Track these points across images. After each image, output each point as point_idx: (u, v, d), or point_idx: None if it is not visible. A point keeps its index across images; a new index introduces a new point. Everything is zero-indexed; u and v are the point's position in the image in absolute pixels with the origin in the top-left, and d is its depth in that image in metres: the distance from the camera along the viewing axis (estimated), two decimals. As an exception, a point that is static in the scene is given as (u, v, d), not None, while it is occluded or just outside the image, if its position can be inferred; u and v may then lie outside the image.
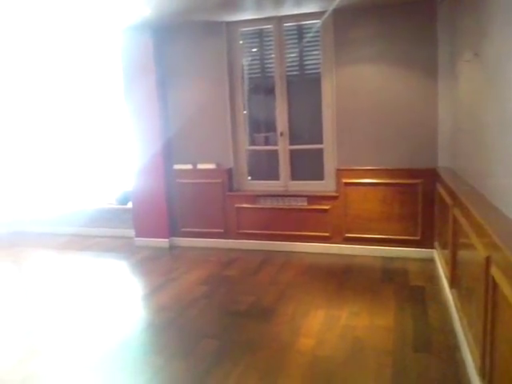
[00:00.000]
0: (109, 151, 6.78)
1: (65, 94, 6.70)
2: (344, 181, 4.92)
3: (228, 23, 5.25)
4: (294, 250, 5.16)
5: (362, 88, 4.80)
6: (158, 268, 4.91)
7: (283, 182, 5.36)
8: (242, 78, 5.41)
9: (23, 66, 6.62)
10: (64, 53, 6.41)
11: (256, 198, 5.32)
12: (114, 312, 3.78)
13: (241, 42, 5.35)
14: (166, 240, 5.66)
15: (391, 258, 4.77)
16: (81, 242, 6.09)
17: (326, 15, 4.83)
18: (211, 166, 5.49)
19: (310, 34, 5.08)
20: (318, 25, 4.97)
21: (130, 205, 6.10)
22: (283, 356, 2.96)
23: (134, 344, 3.29)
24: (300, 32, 5.18)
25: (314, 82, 5.12)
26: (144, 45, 5.45)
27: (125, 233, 6.10)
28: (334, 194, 5.00)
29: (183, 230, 5.66)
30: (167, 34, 5.46)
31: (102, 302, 4.03)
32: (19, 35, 5.53)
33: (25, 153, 6.92)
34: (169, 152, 5.66)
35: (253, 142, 5.56)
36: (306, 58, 5.22)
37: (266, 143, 5.54)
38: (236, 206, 5.39)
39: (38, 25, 5.06)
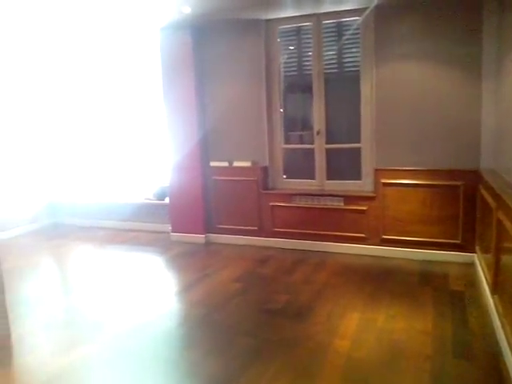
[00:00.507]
0: (148, 147, 6.91)
1: (107, 91, 6.87)
2: (382, 181, 4.83)
3: (267, 21, 5.25)
4: (328, 250, 5.12)
5: (402, 86, 4.70)
6: (194, 263, 4.97)
7: (319, 182, 5.32)
8: (279, 75, 5.40)
9: (71, 64, 6.84)
10: (106, 51, 6.57)
11: (291, 196, 5.30)
12: (150, 306, 3.85)
13: (279, 39, 5.34)
14: (202, 236, 5.72)
15: (430, 262, 4.65)
16: (120, 235, 6.26)
17: (366, 12, 4.75)
18: (247, 164, 5.51)
19: (350, 32, 5.01)
20: (358, 22, 4.89)
21: (167, 200, 6.20)
22: (319, 356, 2.94)
23: (170, 338, 3.35)
24: (339, 29, 5.11)
25: (353, 79, 5.05)
26: (183, 43, 5.52)
27: (161, 227, 6.21)
28: (371, 194, 4.93)
29: (218, 226, 5.71)
30: (206, 32, 5.51)
31: (138, 295, 4.12)
32: (66, 34, 5.72)
33: (69, 147, 7.15)
34: (205, 149, 5.71)
35: (288, 141, 5.54)
36: (344, 56, 5.15)
37: (301, 142, 5.51)
38: (271, 204, 5.39)
39: (82, 22, 5.21)
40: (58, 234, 6.51)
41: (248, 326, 3.43)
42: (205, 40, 5.55)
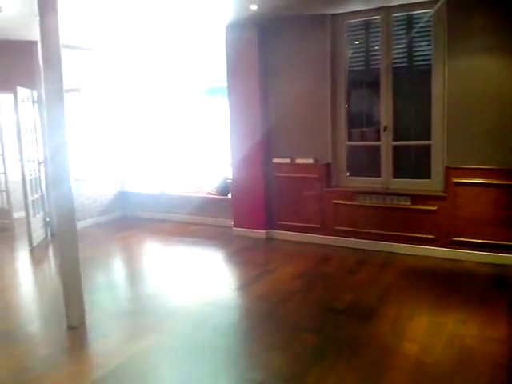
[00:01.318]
0: (212, 143, 7.07)
1: (176, 87, 7.09)
2: (454, 180, 4.61)
3: (333, 15, 5.18)
4: (394, 250, 4.96)
5: (476, 80, 4.45)
6: (255, 258, 5.02)
7: (384, 180, 5.17)
8: (345, 71, 5.30)
9: (142, 62, 7.13)
10: (172, 47, 6.77)
11: (355, 194, 5.19)
12: (214, 298, 3.93)
13: (345, 34, 5.24)
14: (263, 231, 5.76)
15: (503, 266, 4.39)
16: (184, 228, 6.44)
17: (439, 4, 4.55)
18: (309, 161, 5.47)
19: (420, 24, 4.82)
20: (430, 14, 4.69)
21: (229, 195, 6.31)
22: (385, 358, 2.87)
23: (233, 331, 3.41)
24: (409, 22, 4.93)
25: (423, 74, 4.87)
26: (248, 40, 5.57)
27: (224, 222, 6.32)
28: (441, 194, 4.72)
29: (279, 222, 5.72)
30: (270, 29, 5.53)
31: (202, 287, 4.21)
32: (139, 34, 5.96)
33: (138, 142, 7.46)
34: (268, 145, 5.74)
35: (352, 137, 5.43)
36: (414, 50, 4.96)
37: (365, 138, 5.38)
38: (333, 202, 5.31)
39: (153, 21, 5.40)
40: (126, 225, 6.81)
41: (311, 324, 3.41)
42: (269, 37, 5.57)
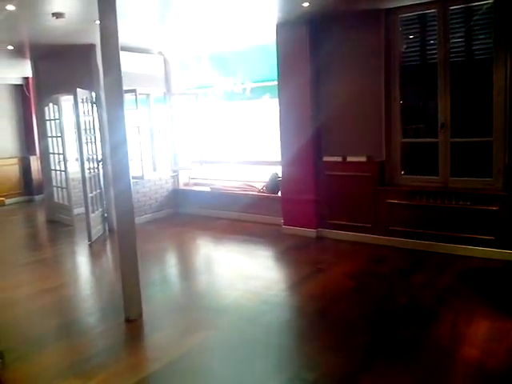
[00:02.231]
0: (261, 142, 7.10)
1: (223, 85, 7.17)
2: (517, 179, 4.38)
3: (387, 10, 5.05)
4: (451, 252, 4.75)
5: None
6: (306, 257, 4.99)
7: (442, 178, 4.98)
8: (399, 66, 5.15)
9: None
10: (224, 47, 6.86)
11: (410, 193, 5.04)
12: (266, 296, 3.93)
13: (400, 28, 5.09)
14: (314, 230, 5.71)
15: None
16: (235, 226, 6.51)
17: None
18: (362, 159, 5.37)
19: (479, 16, 4.60)
20: (489, 5, 4.47)
21: (279, 193, 6.31)
22: (444, 363, 2.76)
23: (286, 329, 3.42)
24: (467, 14, 4.72)
25: (483, 67, 4.64)
26: (299, 37, 5.55)
27: (274, 220, 6.33)
28: (503, 193, 4.49)
29: (330, 221, 5.65)
30: (322, 26, 5.47)
31: (254, 284, 4.22)
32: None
33: (190, 141, 7.62)
34: (319, 143, 5.68)
35: (406, 134, 5.26)
36: (473, 43, 4.75)
37: (421, 135, 5.20)
38: (387, 201, 5.18)
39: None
40: (179, 222, 6.97)
41: (364, 325, 3.35)
42: (321, 34, 5.51)
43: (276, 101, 5.99)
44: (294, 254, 5.17)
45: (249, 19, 5.37)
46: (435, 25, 4.85)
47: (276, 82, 5.93)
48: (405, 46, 5.17)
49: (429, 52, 5.02)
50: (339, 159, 5.53)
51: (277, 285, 4.29)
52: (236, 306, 3.76)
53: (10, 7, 4.33)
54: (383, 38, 5.11)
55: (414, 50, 5.15)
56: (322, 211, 5.70)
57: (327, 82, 5.57)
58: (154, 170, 7.26)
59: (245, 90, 6.89)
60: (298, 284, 4.21)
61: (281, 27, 5.69)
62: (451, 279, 4.14)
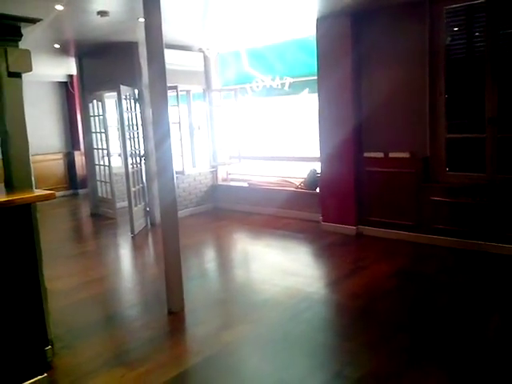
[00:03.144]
0: (300, 137, 7.06)
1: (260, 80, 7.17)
2: None
3: (432, 2, 4.90)
4: (499, 252, 4.57)
5: None
6: (346, 254, 4.93)
7: (490, 175, 4.78)
8: (444, 59, 4.98)
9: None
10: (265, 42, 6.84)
11: (455, 191, 4.88)
12: (306, 292, 3.91)
13: (445, 20, 4.92)
14: (353, 227, 5.63)
15: None
16: (273, 221, 6.50)
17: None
18: (404, 155, 5.24)
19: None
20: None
21: (317, 190, 6.26)
22: (492, 368, 2.67)
23: (327, 326, 3.40)
24: (519, 4, 4.50)
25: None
26: (341, 30, 5.46)
27: (312, 216, 6.29)
28: (556, 191, 4.28)
29: (371, 219, 5.56)
30: (364, 19, 5.37)
31: (294, 280, 4.21)
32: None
33: (229, 137, 7.67)
34: (359, 139, 5.59)
35: (451, 129, 5.08)
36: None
37: (467, 130, 5.00)
38: (431, 198, 5.03)
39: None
40: (218, 216, 7.05)
41: (407, 324, 3.27)
42: (363, 27, 5.41)
43: (315, 95, 5.93)
44: (333, 250, 5.11)
45: (289, 13, 5.33)
46: (483, 16, 4.66)
47: (315, 77, 5.87)
48: (449, 39, 4.99)
49: (475, 44, 4.83)
50: (381, 155, 5.41)
51: (316, 282, 4.26)
52: (275, 301, 3.75)
53: (59, 7, 4.47)
54: (427, 31, 4.96)
55: (459, 42, 4.96)
56: (362, 208, 5.61)
57: (369, 75, 5.46)
58: (194, 165, 7.35)
59: (283, 85, 6.85)
60: (338, 281, 4.16)
61: (321, 21, 5.61)
62: (497, 280, 3.99)
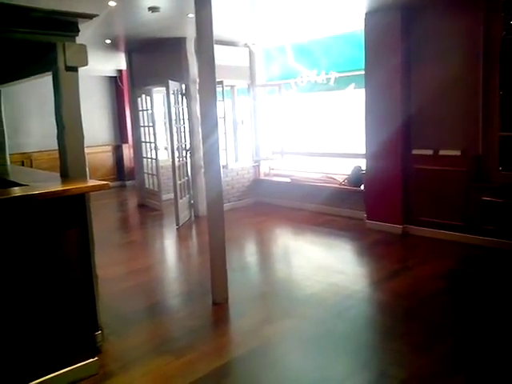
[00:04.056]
0: (344, 133, 6.96)
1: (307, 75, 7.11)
2: None
3: (488, -7, 4.69)
4: (555, 255, 4.38)
5: None
6: (392, 254, 4.83)
7: (547, 175, 4.56)
8: (499, 53, 4.76)
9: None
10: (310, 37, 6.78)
11: (508, 191, 4.66)
12: (351, 290, 3.86)
13: (502, 13, 4.70)
14: (399, 226, 5.50)
15: None
16: (316, 218, 6.44)
17: None
18: (455, 153, 5.06)
19: None
20: None
21: (362, 187, 6.15)
22: (548, 377, 2.55)
23: (372, 325, 3.35)
24: None
25: None
26: (390, 24, 5.33)
27: (356, 214, 6.19)
28: None
29: (417, 218, 5.41)
30: (415, 12, 5.22)
31: (337, 277, 4.16)
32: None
33: (272, 132, 7.67)
34: (408, 136, 5.44)
35: (505, 127, 4.85)
36: None
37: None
38: (482, 198, 4.84)
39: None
40: (260, 211, 7.07)
41: (455, 328, 3.18)
42: (413, 20, 5.26)
43: (362, 91, 5.83)
44: (378, 249, 5.02)
45: (337, 8, 5.26)
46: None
47: (362, 72, 5.76)
48: (504, 32, 4.77)
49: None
50: (430, 152, 5.26)
51: (361, 280, 4.20)
52: (319, 298, 3.73)
53: (112, 3, 4.60)
54: (482, 24, 4.75)
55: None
56: (409, 207, 5.47)
57: (418, 70, 5.31)
58: (236, 160, 7.41)
59: (329, 80, 6.77)
60: (383, 281, 4.08)
61: (370, 15, 5.50)
62: (556, 286, 3.80)
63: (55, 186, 2.64)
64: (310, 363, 2.83)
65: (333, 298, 3.72)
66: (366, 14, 5.53)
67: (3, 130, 4.31)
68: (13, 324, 2.44)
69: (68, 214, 2.60)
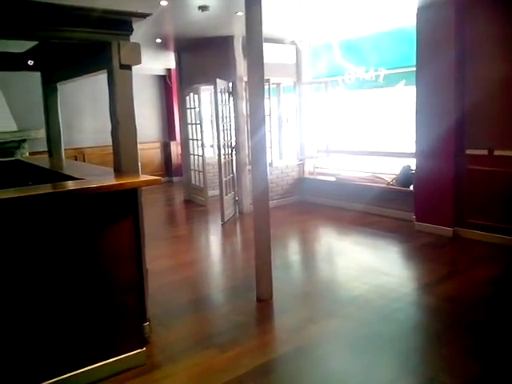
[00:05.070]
0: (393, 132, 6.79)
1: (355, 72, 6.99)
2: None
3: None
4: None
5: None
6: (441, 257, 4.66)
7: None
8: None
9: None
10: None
11: None
12: (397, 294, 3.76)
13: None
14: (450, 229, 5.30)
15: None
16: (362, 218, 6.32)
17: None
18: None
19: None
20: None
21: (411, 187, 5.98)
22: None
23: (421, 331, 3.25)
24: None
25: None
26: (444, 19, 5.16)
27: (404, 215, 6.03)
28: None
29: (470, 220, 5.19)
30: (469, 7, 5.01)
31: (384, 279, 4.07)
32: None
33: (317, 130, 7.60)
34: (461, 135, 5.23)
35: None
36: None
37: None
38: (542, 201, 4.60)
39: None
40: (303, 210, 7.03)
41: (507, 336, 3.02)
42: (467, 15, 5.04)
43: (412, 88, 5.66)
44: (427, 252, 4.86)
45: (387, 3, 5.13)
46: None
47: (413, 68, 5.59)
48: None
49: None
50: (485, 152, 5.03)
51: (409, 283, 4.10)
52: (365, 299, 3.66)
53: (164, 2, 4.70)
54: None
55: None
56: (461, 209, 5.26)
57: (473, 67, 5.08)
58: (281, 157, 7.40)
59: (378, 77, 6.62)
60: (432, 284, 3.95)
61: (423, 10, 5.33)
62: None
63: (110, 180, 2.73)
64: (354, 364, 2.79)
65: (379, 300, 3.64)
66: (418, 9, 5.37)
67: (59, 126, 4.50)
68: (68, 312, 2.55)
69: (121, 208, 2.69)
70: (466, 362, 2.72)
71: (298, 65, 7.48)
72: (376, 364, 2.77)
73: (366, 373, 2.68)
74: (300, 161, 7.67)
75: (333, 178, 7.32)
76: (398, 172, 6.42)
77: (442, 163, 5.33)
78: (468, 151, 5.18)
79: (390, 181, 6.52)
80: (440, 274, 4.14)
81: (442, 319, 3.32)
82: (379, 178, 6.79)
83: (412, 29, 5.58)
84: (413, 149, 5.69)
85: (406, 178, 6.23)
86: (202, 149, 7.41)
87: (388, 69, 6.48)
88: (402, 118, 6.38)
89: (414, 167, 5.80)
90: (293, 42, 7.30)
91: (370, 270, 4.36)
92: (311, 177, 7.71)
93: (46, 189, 2.57)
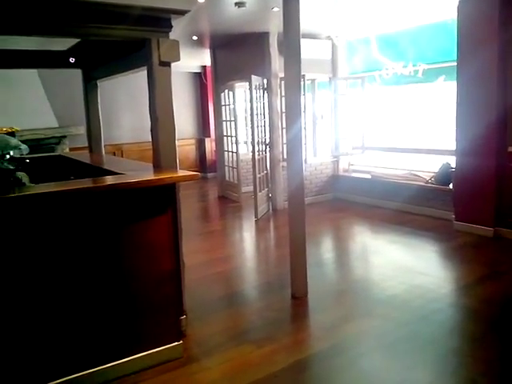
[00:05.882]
0: (432, 128, 6.63)
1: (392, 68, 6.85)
2: None
3: None
4: None
5: None
6: (481, 257, 4.52)
7: None
8: None
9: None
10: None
11: None
12: (435, 295, 3.67)
13: None
14: (490, 229, 5.13)
15: None
16: (398, 217, 6.19)
17: None
18: (558, 151, 4.62)
19: None
20: None
21: (450, 186, 5.82)
22: None
23: (460, 333, 3.17)
24: None
25: None
26: (487, 12, 4.97)
27: (442, 214, 5.88)
28: None
29: (512, 220, 5.03)
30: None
31: (420, 281, 3.97)
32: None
33: (351, 127, 7.51)
34: (503, 132, 5.04)
35: None
36: None
37: None
38: None
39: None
40: (337, 207, 6.96)
41: (557, 342, 2.91)
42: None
43: (453, 83, 5.49)
44: (466, 252, 4.72)
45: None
46: None
47: (454, 63, 5.43)
48: None
49: None
50: (529, 150, 4.85)
51: (448, 283, 3.99)
52: (402, 299, 3.59)
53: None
54: None
55: None
56: (503, 208, 5.08)
57: (519, 62, 4.90)
58: (315, 155, 7.34)
59: (416, 72, 6.46)
60: (472, 285, 3.84)
61: (464, 2, 5.16)
62: None
63: (149, 175, 2.79)
64: (391, 365, 2.74)
65: (417, 300, 3.56)
66: (460, 1, 5.20)
67: (100, 123, 4.61)
68: (110, 304, 2.62)
69: (160, 202, 2.73)
70: (506, 367, 2.64)
71: (333, 60, 7.39)
72: (413, 365, 2.72)
73: (402, 374, 2.63)
74: (334, 158, 7.59)
75: (368, 176, 7.21)
76: (436, 170, 6.26)
77: (483, 161, 5.16)
78: (510, 149, 4.99)
79: (428, 179, 6.36)
80: (480, 275, 4.02)
81: (482, 322, 3.22)
82: (416, 175, 6.64)
83: (453, 22, 5.41)
84: (452, 146, 5.54)
85: (445, 176, 6.06)
86: (236, 145, 7.45)
87: (427, 64, 6.32)
88: (441, 114, 6.22)
89: (453, 165, 5.64)
90: (329, 37, 7.22)
91: (406, 269, 4.27)
92: (346, 174, 7.62)
93: (87, 183, 2.64)
